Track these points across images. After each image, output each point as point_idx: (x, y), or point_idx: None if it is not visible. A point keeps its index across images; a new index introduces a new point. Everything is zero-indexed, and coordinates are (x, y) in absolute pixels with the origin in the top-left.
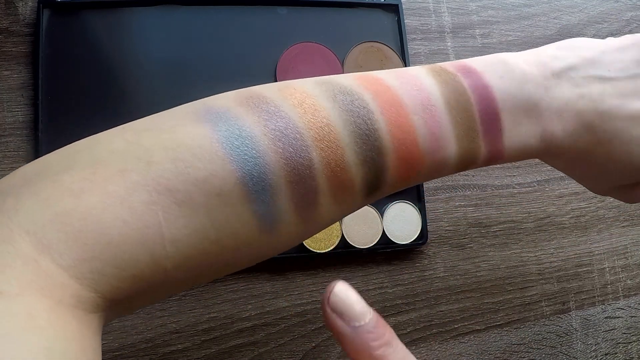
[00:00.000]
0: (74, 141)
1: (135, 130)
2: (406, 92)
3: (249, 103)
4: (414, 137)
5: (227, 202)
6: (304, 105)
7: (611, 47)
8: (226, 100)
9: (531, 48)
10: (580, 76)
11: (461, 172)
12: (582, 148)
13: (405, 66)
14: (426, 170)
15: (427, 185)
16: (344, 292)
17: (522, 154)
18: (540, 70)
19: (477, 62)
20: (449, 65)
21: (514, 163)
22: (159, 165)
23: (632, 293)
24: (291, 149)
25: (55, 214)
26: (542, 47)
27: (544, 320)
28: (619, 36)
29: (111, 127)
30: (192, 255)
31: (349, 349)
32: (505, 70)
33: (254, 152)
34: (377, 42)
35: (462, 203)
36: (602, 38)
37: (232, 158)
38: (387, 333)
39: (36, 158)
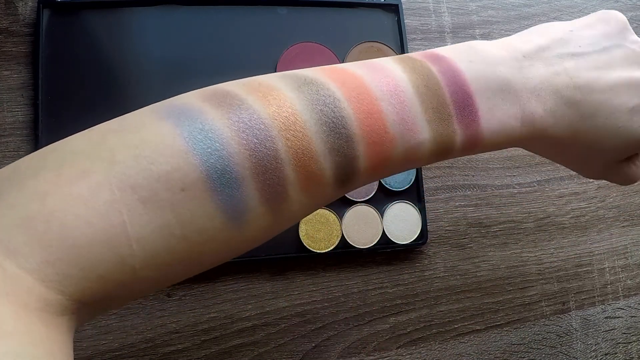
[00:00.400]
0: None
1: (101, 130)
2: (373, 80)
3: (212, 99)
4: (383, 123)
5: (192, 196)
6: (269, 97)
7: (578, 26)
8: (189, 98)
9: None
10: (552, 55)
11: (461, 172)
12: (567, 126)
13: None
14: (399, 157)
15: (427, 185)
16: None
17: (504, 138)
18: (510, 53)
19: (445, 50)
20: (417, 54)
21: (513, 163)
22: (121, 164)
23: (632, 293)
24: (255, 140)
25: (21, 218)
26: (509, 37)
27: (544, 320)
28: None
29: None
30: (159, 253)
31: None
32: (474, 54)
33: (217, 144)
34: (377, 42)
35: (462, 203)
36: None
37: (194, 152)
38: None
39: None
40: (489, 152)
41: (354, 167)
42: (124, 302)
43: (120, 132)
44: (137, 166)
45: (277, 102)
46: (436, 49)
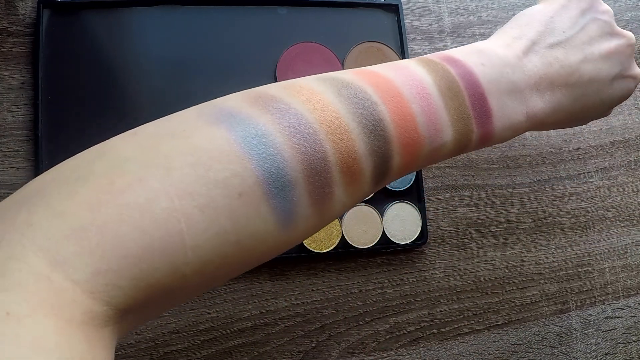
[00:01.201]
0: (73, 141)
1: (148, 135)
2: (403, 83)
3: (259, 103)
4: (415, 124)
5: (249, 201)
6: (313, 101)
7: (556, 10)
8: (236, 102)
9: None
10: (543, 47)
11: (461, 172)
12: (562, 111)
13: None
14: (425, 155)
15: (427, 185)
16: None
17: (512, 132)
18: (512, 51)
19: (457, 53)
20: (434, 56)
21: (513, 163)
22: (177, 171)
23: (632, 293)
24: (306, 144)
25: (72, 229)
26: (498, 32)
27: (544, 320)
28: None
29: (111, 127)
30: (212, 260)
31: None
32: (484, 57)
33: (271, 149)
34: (377, 42)
35: (462, 203)
36: None
37: (250, 157)
38: None
39: (36, 158)
40: (489, 152)
41: (388, 166)
42: (165, 309)
43: (171, 138)
44: (194, 173)
45: (322, 106)
46: (448, 51)
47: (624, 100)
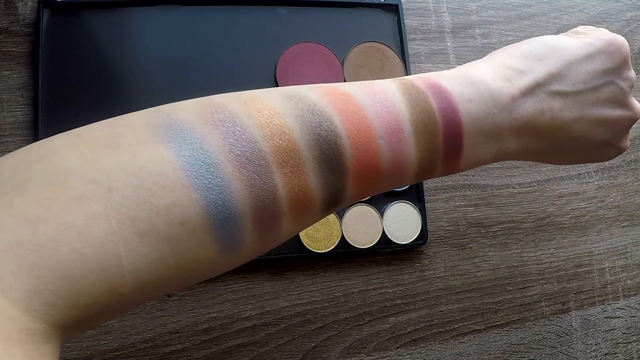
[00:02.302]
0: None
1: (92, 143)
2: (375, 114)
3: (214, 120)
4: (377, 160)
5: (191, 231)
6: (271, 126)
7: (579, 57)
8: (189, 114)
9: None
10: (544, 92)
11: (461, 173)
12: (532, 155)
13: (405, 66)
14: (382, 186)
15: (427, 185)
16: None
17: (473, 166)
18: (508, 89)
19: (447, 81)
20: (420, 82)
21: (513, 163)
22: (119, 193)
23: (632, 293)
24: (256, 176)
25: (9, 244)
26: (506, 52)
27: (544, 320)
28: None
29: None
30: (151, 281)
31: None
32: (475, 93)
33: (218, 179)
34: (377, 42)
35: (462, 203)
36: None
37: (196, 186)
38: None
39: None
40: None
41: (341, 197)
42: (106, 321)
43: (116, 152)
44: (136, 197)
45: (279, 133)
46: (439, 76)
47: (604, 161)
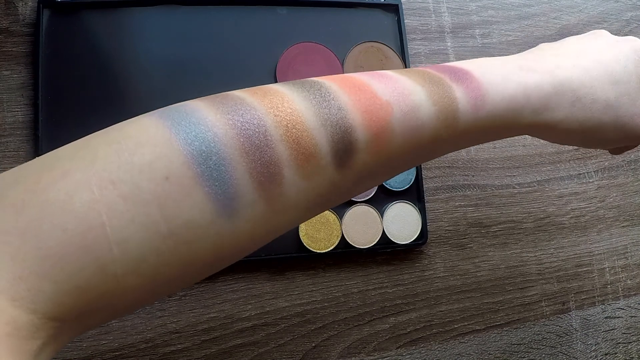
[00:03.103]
0: (73, 141)
1: (87, 137)
2: (363, 74)
3: (210, 98)
4: (371, 90)
5: (177, 184)
6: (259, 91)
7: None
8: (188, 101)
9: (531, 48)
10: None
11: (461, 172)
12: (575, 91)
13: (405, 66)
14: (400, 124)
15: (427, 185)
16: None
17: (508, 102)
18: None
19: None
20: (439, 70)
21: (513, 163)
22: (102, 160)
23: (632, 293)
24: (241, 119)
25: None
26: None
27: (544, 320)
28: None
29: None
30: (144, 256)
31: None
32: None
33: (201, 127)
34: (377, 42)
35: (462, 203)
36: None
37: (177, 137)
38: None
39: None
40: (489, 152)
41: (351, 139)
42: (108, 318)
43: (105, 132)
44: (118, 160)
45: (267, 89)
46: (465, 62)
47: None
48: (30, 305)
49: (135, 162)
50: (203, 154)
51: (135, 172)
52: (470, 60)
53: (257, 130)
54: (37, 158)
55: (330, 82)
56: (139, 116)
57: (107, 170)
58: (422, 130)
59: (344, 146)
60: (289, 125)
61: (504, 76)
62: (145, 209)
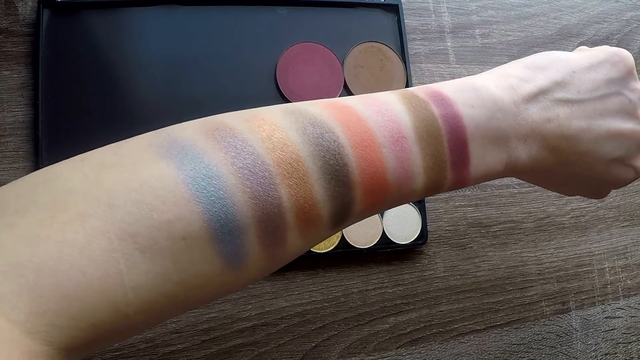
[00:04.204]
0: (73, 141)
1: (95, 165)
2: (377, 123)
3: (215, 136)
4: (383, 171)
5: (193, 245)
6: (273, 139)
7: (582, 66)
8: (191, 132)
9: (531, 48)
10: (548, 99)
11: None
12: (546, 168)
13: (406, 66)
14: (391, 201)
15: None
16: None
17: (486, 178)
18: (511, 95)
19: (449, 88)
20: (421, 92)
21: None
22: (120, 209)
23: (632, 293)
24: (260, 188)
25: (9, 264)
26: (509, 65)
27: (544, 320)
28: (616, 37)
29: (110, 127)
30: (155, 299)
31: None
32: (477, 98)
33: (221, 192)
34: (377, 42)
35: (462, 203)
36: (602, 38)
37: (198, 200)
38: None
39: (36, 158)
40: None
41: (349, 212)
42: (114, 343)
43: (118, 170)
44: (137, 213)
45: (282, 145)
46: (440, 86)
47: (618, 188)
48: (46, 338)
49: (154, 219)
50: (221, 220)
51: (154, 229)
52: (478, 119)
53: (272, 202)
54: (38, 178)
55: (347, 141)
56: (147, 146)
57: (126, 223)
58: (403, 202)
59: (342, 217)
60: (300, 199)
61: (493, 161)
62: (161, 262)
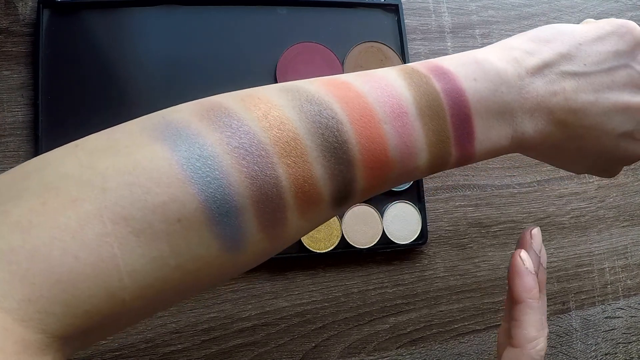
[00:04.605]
0: (73, 141)
1: (88, 150)
2: (376, 99)
3: (210, 116)
4: (385, 147)
5: (189, 227)
6: (269, 118)
7: (588, 38)
8: (186, 114)
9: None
10: (554, 72)
11: (461, 172)
12: (553, 143)
13: None
14: (394, 178)
15: (427, 185)
16: None
17: (492, 154)
18: (515, 68)
19: (450, 63)
20: (421, 66)
21: (513, 163)
22: (113, 192)
23: (632, 293)
24: (256, 167)
25: (1, 251)
26: (512, 38)
27: None
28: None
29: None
30: (152, 284)
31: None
32: (480, 71)
33: (216, 172)
34: (377, 42)
35: (462, 203)
36: None
37: (192, 181)
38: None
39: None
40: None
41: (351, 189)
42: (111, 333)
43: (111, 154)
44: (130, 196)
45: (278, 124)
46: (441, 60)
47: (629, 164)
48: (39, 326)
49: (148, 201)
50: (217, 202)
51: (148, 212)
52: (482, 92)
53: (270, 181)
54: (32, 165)
55: (345, 118)
56: (140, 130)
57: (119, 205)
58: (406, 179)
59: (344, 196)
60: (299, 177)
61: (498, 135)
62: (156, 245)
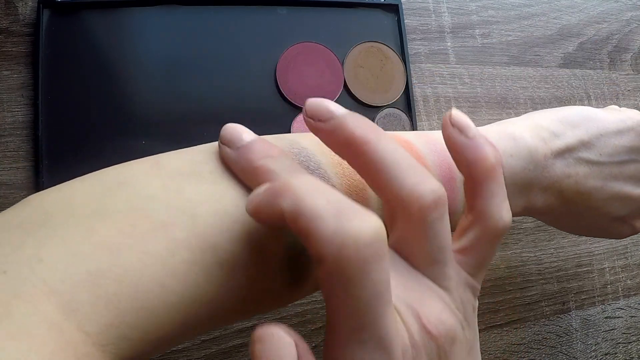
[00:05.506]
0: (74, 141)
1: (172, 172)
2: (433, 162)
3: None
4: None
5: (268, 260)
6: (344, 164)
7: (610, 130)
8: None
9: (531, 48)
10: (573, 157)
11: None
12: (555, 214)
13: (406, 66)
14: None
15: None
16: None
17: None
18: (542, 148)
19: (492, 135)
20: None
21: None
22: (203, 220)
23: (632, 293)
24: None
25: (88, 272)
26: (541, 115)
27: (544, 320)
28: (616, 37)
29: (111, 127)
30: (221, 315)
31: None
32: (515, 148)
33: None
34: (377, 42)
35: None
36: (602, 38)
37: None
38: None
39: (36, 158)
40: None
41: None
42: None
43: (197, 180)
44: (220, 225)
45: (350, 173)
46: (485, 130)
47: (619, 239)
48: (114, 351)
49: (235, 230)
50: (298, 246)
51: (234, 241)
52: (514, 168)
53: None
54: (106, 176)
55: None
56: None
57: (208, 234)
58: None
59: None
60: None
61: (513, 205)
62: (235, 275)
